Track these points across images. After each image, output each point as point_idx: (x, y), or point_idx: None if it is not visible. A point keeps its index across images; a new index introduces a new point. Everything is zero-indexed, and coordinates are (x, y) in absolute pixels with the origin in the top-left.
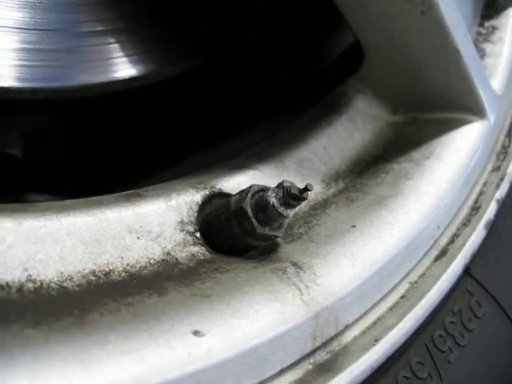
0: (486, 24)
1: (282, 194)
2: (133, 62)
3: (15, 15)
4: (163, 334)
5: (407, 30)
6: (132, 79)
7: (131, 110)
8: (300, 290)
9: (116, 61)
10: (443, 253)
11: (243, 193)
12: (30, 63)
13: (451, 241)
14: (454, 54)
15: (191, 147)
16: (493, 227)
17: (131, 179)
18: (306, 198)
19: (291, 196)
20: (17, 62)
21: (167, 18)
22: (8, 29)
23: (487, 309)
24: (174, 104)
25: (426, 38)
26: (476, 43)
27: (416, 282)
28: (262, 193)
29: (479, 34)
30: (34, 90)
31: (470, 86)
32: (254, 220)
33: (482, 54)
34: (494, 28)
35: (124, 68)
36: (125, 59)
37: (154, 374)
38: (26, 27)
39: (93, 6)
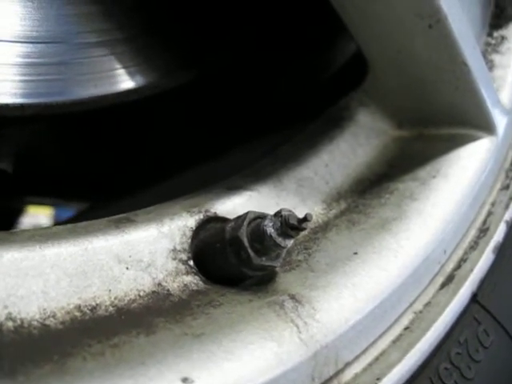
0: (495, 34)
1: (279, 224)
2: (128, 75)
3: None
4: (149, 381)
5: (414, 44)
6: (128, 92)
7: (127, 122)
8: (298, 328)
9: (111, 73)
10: (449, 279)
11: (239, 220)
12: (20, 77)
13: (458, 266)
14: (462, 67)
15: (189, 160)
16: (501, 250)
17: (126, 193)
18: (305, 229)
19: (289, 226)
20: (6, 77)
21: (164, 29)
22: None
23: (494, 338)
24: (171, 116)
25: (433, 51)
26: (484, 54)
27: (421, 312)
28: (258, 221)
29: (488, 44)
30: (22, 106)
31: (478, 101)
32: (250, 250)
33: (490, 65)
34: (503, 38)
35: (119, 81)
36: (120, 71)
37: None
38: (17, 40)
39: (85, 17)
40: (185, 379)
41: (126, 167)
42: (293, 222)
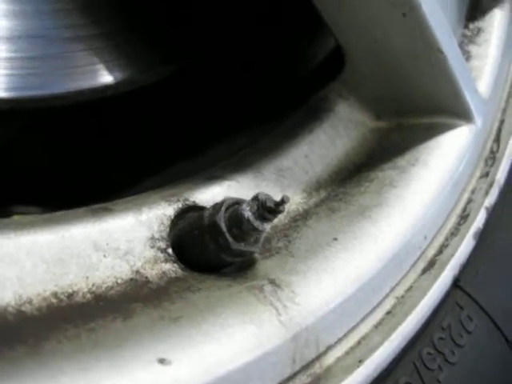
0: (471, 26)
1: (256, 208)
2: (106, 70)
3: None
4: (126, 363)
5: (389, 32)
6: (105, 87)
7: (107, 117)
8: (277, 310)
9: (88, 68)
10: (431, 264)
11: (217, 206)
12: None
13: (439, 251)
14: (439, 55)
15: (169, 156)
16: (482, 236)
17: (108, 191)
18: (282, 211)
19: (267, 209)
20: None
21: (143, 25)
22: None
23: (478, 322)
24: (151, 111)
25: (408, 40)
26: (461, 45)
27: (402, 297)
28: (236, 206)
29: (464, 36)
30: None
31: (455, 89)
32: (228, 235)
33: (467, 56)
34: (480, 30)
35: (97, 76)
36: (97, 67)
37: None
38: None
39: (63, 13)
40: (162, 360)
41: (106, 166)
42: (270, 204)
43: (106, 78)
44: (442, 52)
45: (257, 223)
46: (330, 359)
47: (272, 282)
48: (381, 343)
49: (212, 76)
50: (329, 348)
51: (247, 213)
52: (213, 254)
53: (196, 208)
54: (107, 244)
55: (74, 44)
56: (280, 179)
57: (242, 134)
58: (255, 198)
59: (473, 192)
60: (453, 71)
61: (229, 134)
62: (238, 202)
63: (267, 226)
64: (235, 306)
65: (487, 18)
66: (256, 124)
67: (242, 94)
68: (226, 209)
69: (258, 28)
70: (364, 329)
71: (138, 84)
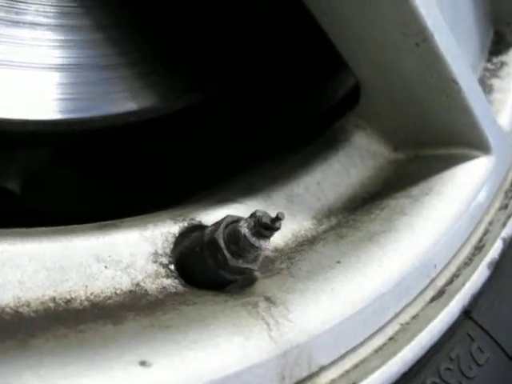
0: (495, 60)
1: (253, 224)
2: (130, 97)
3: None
4: (107, 361)
5: (402, 63)
6: (128, 114)
7: (129, 146)
8: (268, 326)
9: (113, 96)
10: (440, 294)
11: (217, 224)
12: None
13: (450, 281)
14: (453, 86)
15: (187, 187)
16: (499, 268)
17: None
18: (278, 228)
19: (263, 226)
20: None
21: (167, 53)
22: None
23: (490, 355)
24: (171, 140)
25: (422, 70)
26: (483, 79)
27: (408, 324)
28: (235, 223)
29: (487, 69)
30: (24, 123)
31: (471, 120)
32: (226, 252)
33: (489, 89)
34: (503, 63)
35: (120, 103)
36: (122, 94)
37: None
38: None
39: (92, 43)
40: (143, 362)
41: (129, 190)
42: (265, 221)
43: (130, 104)
44: (456, 83)
45: (253, 239)
46: (323, 380)
47: (267, 298)
48: (379, 367)
49: (233, 107)
50: (322, 368)
51: (244, 229)
52: (212, 271)
53: (201, 227)
54: (109, 256)
55: (100, 72)
56: (289, 205)
57: (260, 166)
58: (253, 215)
59: (490, 223)
60: (468, 102)
61: (248, 164)
62: (238, 220)
63: (264, 244)
64: (226, 319)
65: (511, 52)
66: (275, 157)
67: (262, 124)
68: (226, 226)
69: (281, 62)
70: (363, 352)
71: (162, 112)
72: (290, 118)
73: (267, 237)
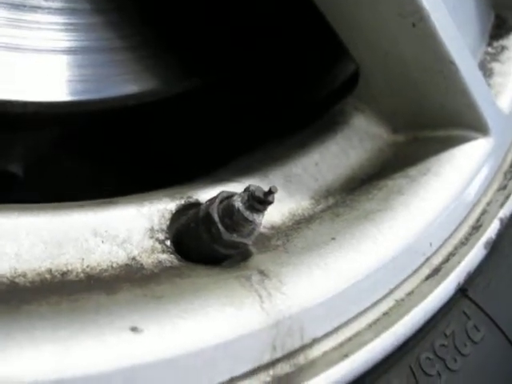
0: (495, 44)
1: (247, 198)
2: (129, 81)
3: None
4: (98, 327)
5: (400, 44)
6: (127, 97)
7: (127, 130)
8: (261, 297)
9: (112, 78)
10: (436, 271)
11: (212, 199)
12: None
13: (446, 260)
14: (450, 67)
15: (189, 169)
16: (496, 248)
17: None
18: (271, 202)
19: (256, 199)
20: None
21: (169, 38)
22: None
23: (486, 333)
24: (171, 124)
25: (419, 51)
26: (484, 63)
27: (402, 300)
28: (230, 198)
29: (487, 53)
30: (24, 104)
31: (469, 102)
32: (220, 225)
33: (489, 73)
34: (504, 48)
35: (120, 86)
36: (121, 77)
37: (76, 365)
38: None
39: (93, 27)
40: (134, 328)
41: (127, 174)
42: (258, 194)
43: (131, 87)
44: (453, 63)
45: (247, 213)
46: (316, 352)
47: (261, 272)
48: (371, 340)
49: (233, 90)
50: (315, 341)
51: (238, 203)
52: (206, 245)
53: (197, 205)
54: (106, 231)
55: (101, 55)
56: (287, 184)
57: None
58: (246, 190)
59: (488, 204)
60: (466, 84)
61: (249, 148)
62: (232, 195)
63: (258, 218)
64: (218, 290)
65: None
66: (275, 138)
67: (262, 109)
68: (221, 201)
69: (283, 48)
70: (356, 326)
71: (161, 95)
72: (290, 103)
73: (260, 211)
